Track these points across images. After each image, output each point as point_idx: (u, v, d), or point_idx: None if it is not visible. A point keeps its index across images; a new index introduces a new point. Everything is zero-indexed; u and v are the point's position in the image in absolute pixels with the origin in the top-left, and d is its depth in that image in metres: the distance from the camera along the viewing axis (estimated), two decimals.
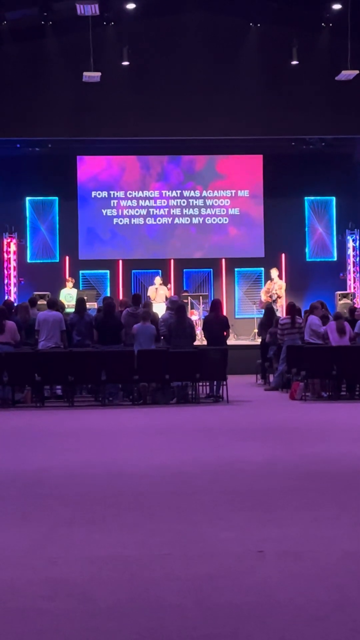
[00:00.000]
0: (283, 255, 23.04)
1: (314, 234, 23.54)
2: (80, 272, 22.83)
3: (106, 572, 5.07)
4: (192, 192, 23.24)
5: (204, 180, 23.30)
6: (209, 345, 15.26)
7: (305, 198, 23.42)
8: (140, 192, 23.16)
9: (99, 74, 18.82)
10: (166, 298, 19.84)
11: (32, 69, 20.32)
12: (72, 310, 16.00)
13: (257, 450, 9.33)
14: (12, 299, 20.89)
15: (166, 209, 23.21)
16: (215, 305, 15.72)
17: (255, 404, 14.25)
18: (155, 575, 4.98)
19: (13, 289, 22.25)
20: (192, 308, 20.26)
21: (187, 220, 23.23)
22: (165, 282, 21.54)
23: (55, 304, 15.11)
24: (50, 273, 22.30)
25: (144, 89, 20.54)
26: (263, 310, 18.94)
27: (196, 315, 19.89)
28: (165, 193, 23.22)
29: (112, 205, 23.10)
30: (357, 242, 23.06)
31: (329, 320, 15.43)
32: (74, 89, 20.04)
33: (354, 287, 22.85)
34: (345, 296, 21.42)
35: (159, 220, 23.19)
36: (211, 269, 23.26)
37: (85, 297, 17.10)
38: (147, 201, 23.18)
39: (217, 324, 15.24)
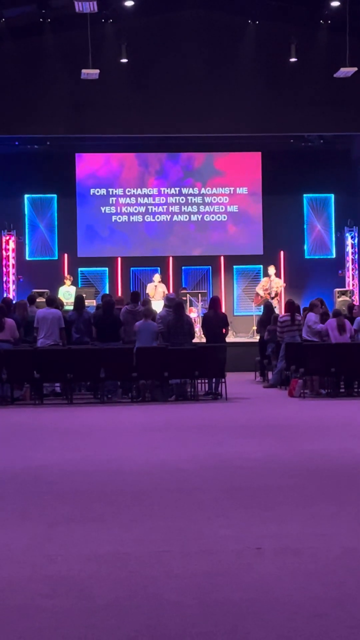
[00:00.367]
0: (282, 252, 23.03)
1: (312, 231, 23.53)
2: (79, 269, 22.82)
3: (105, 569, 5.08)
4: (191, 189, 23.24)
5: (203, 178, 23.29)
6: (208, 342, 15.26)
7: (304, 195, 23.41)
8: (139, 189, 23.15)
9: (98, 71, 18.80)
10: (164, 294, 19.84)
11: (31, 67, 20.29)
12: (71, 307, 16.00)
13: (256, 448, 9.34)
14: (10, 296, 20.88)
15: (165, 207, 23.20)
16: (214, 303, 15.72)
17: (254, 401, 14.26)
18: (154, 573, 4.99)
19: (12, 287, 22.25)
20: (190, 305, 20.25)
21: (186, 217, 23.22)
22: (164, 279, 21.54)
23: (54, 302, 15.11)
24: (49, 270, 22.29)
25: (143, 87, 20.52)
26: (261, 307, 18.92)
27: (195, 313, 19.89)
28: (164, 190, 23.21)
29: (110, 202, 23.10)
30: (356, 239, 23.06)
31: (329, 318, 15.43)
32: (72, 87, 20.02)
33: (353, 285, 22.85)
34: (344, 293, 21.42)
35: (158, 218, 23.19)
36: (210, 267, 23.25)
37: (84, 295, 17.10)
38: (145, 198, 23.17)
39: (216, 322, 15.24)
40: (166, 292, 20.12)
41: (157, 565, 5.12)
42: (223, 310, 17.46)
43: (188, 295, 20.69)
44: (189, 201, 23.22)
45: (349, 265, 23.09)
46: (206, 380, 15.18)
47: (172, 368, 14.02)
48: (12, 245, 22.36)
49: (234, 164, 23.33)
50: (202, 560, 5.22)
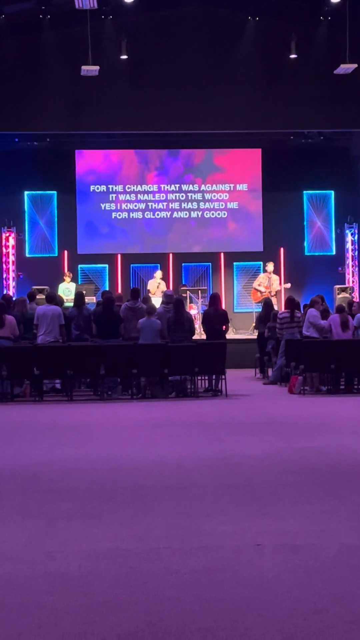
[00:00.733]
0: (282, 249, 23.03)
1: (312, 228, 23.52)
2: (79, 266, 22.82)
3: (104, 566, 5.08)
4: (191, 186, 23.23)
5: (203, 174, 23.28)
6: (208, 339, 15.26)
7: (304, 192, 23.40)
8: (139, 186, 23.14)
9: (97, 67, 18.79)
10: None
11: (30, 63, 20.27)
12: (71, 304, 16.00)
13: (256, 444, 9.34)
14: (10, 293, 20.88)
15: (165, 203, 23.19)
16: (214, 299, 15.72)
17: (253, 397, 14.26)
18: (154, 569, 4.99)
19: (12, 283, 22.24)
20: (191, 302, 20.25)
21: (186, 214, 23.21)
22: (164, 276, 21.53)
23: (54, 298, 15.11)
24: (49, 267, 22.29)
25: (143, 83, 20.51)
26: (261, 303, 18.90)
27: (195, 310, 19.88)
28: (164, 187, 23.20)
29: (110, 199, 23.08)
30: (356, 235, 23.05)
31: (329, 314, 15.43)
32: (72, 83, 20.01)
33: (353, 281, 22.84)
34: (344, 290, 21.41)
35: (158, 215, 23.18)
36: (210, 263, 23.25)
37: (84, 292, 17.09)
38: (145, 195, 23.16)
39: (216, 318, 15.25)
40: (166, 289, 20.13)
41: (157, 562, 5.12)
42: (223, 307, 17.46)
43: (188, 292, 20.68)
44: (189, 198, 23.22)
45: (349, 262, 23.08)
46: (206, 377, 15.18)
47: (172, 365, 14.02)
48: (12, 242, 22.35)
49: (233, 161, 23.32)
50: (202, 556, 5.22)
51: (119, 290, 21.03)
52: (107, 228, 23.08)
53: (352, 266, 23.05)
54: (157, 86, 20.52)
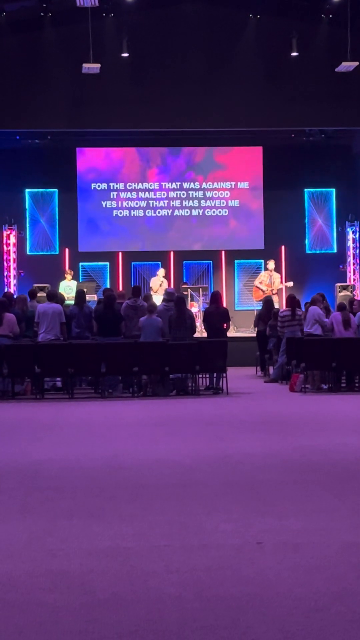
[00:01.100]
0: (283, 247, 23.02)
1: (313, 226, 23.51)
2: (80, 264, 22.81)
3: (105, 564, 5.09)
4: (192, 184, 23.22)
5: (204, 172, 23.27)
6: (209, 337, 15.26)
7: (305, 190, 23.39)
8: (140, 184, 23.13)
9: (99, 65, 18.78)
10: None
11: (31, 61, 20.26)
12: (72, 302, 16.00)
13: (257, 442, 9.34)
14: (11, 291, 20.87)
15: (166, 201, 23.19)
16: (215, 297, 15.71)
17: (255, 395, 14.26)
18: (155, 567, 5.00)
19: (13, 281, 22.24)
20: (192, 300, 20.24)
21: (187, 212, 23.20)
22: (165, 274, 21.52)
23: (55, 296, 15.10)
24: (50, 265, 22.28)
25: (144, 81, 20.49)
26: (262, 301, 18.89)
27: (196, 307, 19.87)
28: (165, 185, 23.20)
29: (111, 197, 23.08)
30: (357, 233, 23.03)
31: (330, 313, 15.42)
32: (73, 81, 20.00)
33: (354, 279, 22.83)
34: (345, 288, 21.40)
35: (159, 212, 23.17)
36: (211, 261, 23.24)
37: (85, 289, 17.09)
38: (146, 193, 23.16)
39: (217, 316, 15.24)
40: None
41: (158, 560, 5.12)
42: (224, 304, 17.46)
43: (189, 290, 20.68)
44: (190, 196, 23.21)
45: (350, 260, 23.06)
46: (207, 375, 15.18)
47: (173, 363, 14.02)
48: (13, 239, 22.33)
49: (235, 159, 23.31)
50: (203, 554, 5.23)
51: (120, 288, 21.02)
52: (108, 226, 23.08)
53: (353, 264, 23.04)
54: (158, 84, 20.50)
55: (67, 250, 22.74)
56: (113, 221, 23.08)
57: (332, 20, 20.45)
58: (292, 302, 15.95)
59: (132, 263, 23.07)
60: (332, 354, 14.12)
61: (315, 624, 4.13)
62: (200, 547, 5.38)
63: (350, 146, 23.26)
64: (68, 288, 19.94)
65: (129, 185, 23.10)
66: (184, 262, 23.18)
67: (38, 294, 16.82)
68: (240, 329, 21.41)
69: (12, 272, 22.31)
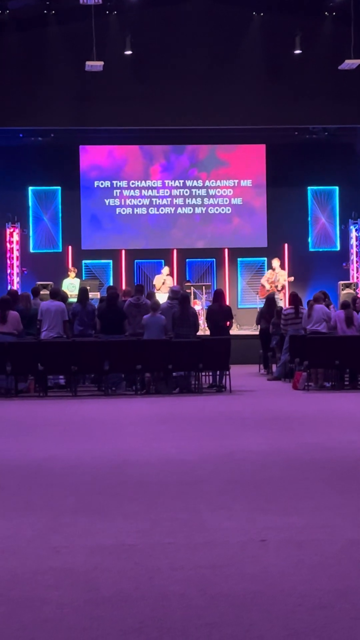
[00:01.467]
0: (286, 245, 23.01)
1: (316, 224, 23.50)
2: (83, 261, 22.81)
3: (110, 561, 5.09)
4: (195, 181, 23.22)
5: (207, 170, 23.26)
6: (212, 335, 15.26)
7: (308, 188, 23.38)
8: (143, 181, 23.13)
9: (102, 63, 18.79)
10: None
11: (35, 59, 20.28)
12: (75, 300, 16.00)
13: (260, 440, 9.34)
14: (15, 288, 20.87)
15: (169, 199, 23.18)
16: (218, 295, 15.71)
17: (257, 393, 14.26)
18: (159, 564, 5.00)
19: (16, 279, 22.25)
20: (195, 298, 20.24)
21: (190, 210, 23.20)
22: (169, 272, 21.52)
23: (57, 294, 15.11)
24: (53, 263, 22.29)
25: (147, 79, 20.50)
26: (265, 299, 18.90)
27: (199, 305, 19.87)
28: (168, 183, 23.19)
29: (114, 194, 23.08)
30: None
31: (334, 311, 15.41)
32: (76, 79, 20.01)
33: (357, 277, 22.82)
34: (348, 286, 21.40)
35: (162, 210, 23.17)
36: (214, 259, 23.24)
37: (88, 287, 17.10)
38: (149, 191, 23.16)
39: (220, 314, 15.25)
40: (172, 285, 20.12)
41: (162, 557, 5.13)
42: (227, 302, 17.45)
43: (192, 287, 20.68)
44: (193, 193, 23.21)
45: (354, 257, 23.05)
46: (210, 373, 15.18)
47: (176, 360, 14.02)
48: (16, 237, 22.35)
49: (238, 157, 23.30)
50: (207, 552, 5.23)
51: (123, 286, 21.03)
52: (111, 224, 23.08)
53: (357, 262, 23.03)
54: (161, 82, 20.51)
55: (70, 248, 22.74)
56: (116, 219, 23.09)
57: (335, 17, 20.45)
58: (295, 299, 15.95)
59: (135, 261, 23.07)
60: (335, 351, 14.12)
61: (319, 621, 4.13)
62: (204, 544, 5.39)
63: (354, 144, 23.25)
64: (71, 286, 19.95)
65: (132, 183, 23.09)
66: (187, 260, 23.18)
67: (41, 292, 16.83)
68: (243, 327, 21.41)
69: (15, 270, 22.32)
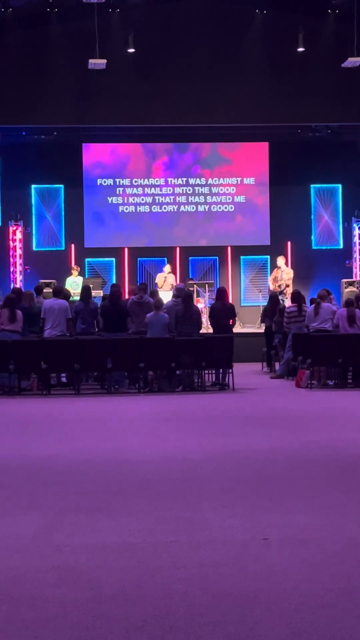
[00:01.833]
0: (289, 243, 23.00)
1: (319, 222, 23.49)
2: (86, 260, 22.81)
3: (112, 559, 5.09)
4: (198, 179, 23.21)
5: (210, 168, 23.25)
6: (215, 333, 15.26)
7: (311, 186, 23.36)
8: (146, 179, 23.12)
9: (105, 61, 18.79)
10: (172, 286, 19.82)
11: (38, 57, 20.28)
12: (78, 298, 16.01)
13: (263, 438, 9.34)
14: (18, 286, 20.87)
15: (172, 197, 23.17)
16: (221, 293, 15.70)
17: (261, 391, 14.26)
18: (161, 563, 5.00)
19: (19, 277, 22.25)
20: (198, 296, 20.24)
21: (193, 208, 23.19)
22: (172, 270, 21.52)
23: (61, 292, 15.11)
24: (56, 261, 22.30)
25: (149, 76, 20.49)
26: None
27: (202, 303, 19.87)
28: (171, 181, 23.18)
29: (117, 192, 23.07)
30: None
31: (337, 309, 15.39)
32: (79, 77, 20.01)
33: None
34: (351, 284, 21.37)
35: (165, 208, 23.16)
36: (217, 257, 23.23)
37: (91, 285, 17.09)
38: (152, 189, 23.15)
39: (223, 312, 15.24)
40: (174, 283, 20.12)
41: (165, 556, 5.13)
42: (230, 300, 17.45)
43: (195, 285, 20.67)
44: (196, 191, 23.19)
45: (357, 255, 23.02)
46: (213, 371, 15.18)
47: (179, 358, 14.01)
48: (19, 235, 22.35)
49: (241, 154, 23.29)
50: (210, 550, 5.23)
51: (126, 284, 21.03)
52: (114, 222, 23.08)
53: None
54: (164, 80, 20.50)
55: (73, 246, 22.75)
56: (119, 217, 23.08)
57: (338, 15, 20.42)
58: (298, 298, 15.94)
59: (138, 259, 23.06)
60: (338, 350, 14.10)
61: (322, 619, 4.13)
62: (207, 542, 5.39)
63: (357, 142, 23.22)
64: (75, 284, 19.96)
65: (135, 181, 23.09)
66: (190, 258, 23.17)
67: (44, 290, 16.82)
68: (246, 325, 21.40)
69: (19, 268, 22.32)
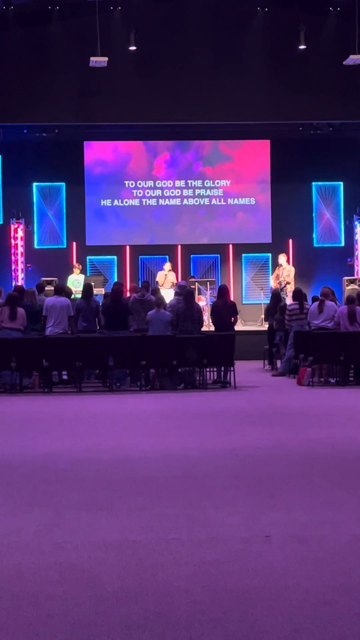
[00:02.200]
0: (290, 240, 22.99)
1: (321, 220, 23.48)
2: (88, 257, 22.83)
3: (114, 556, 5.10)
4: (199, 177, 23.19)
5: (211, 165, 23.24)
6: (217, 331, 15.26)
7: (313, 183, 23.35)
8: (147, 177, 23.12)
9: (106, 58, 18.78)
10: (173, 284, 19.83)
11: (39, 54, 20.27)
12: (80, 296, 16.01)
13: (264, 436, 9.34)
14: (20, 284, 20.87)
15: (173, 195, 23.16)
16: (223, 291, 15.70)
17: (262, 389, 14.26)
18: (163, 560, 5.01)
19: (20, 275, 22.25)
20: (199, 294, 20.24)
21: (195, 205, 23.18)
22: (173, 268, 21.52)
23: (62, 290, 15.11)
24: (58, 259, 22.30)
25: (151, 74, 20.48)
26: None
27: (203, 301, 19.87)
28: (172, 178, 23.17)
29: (119, 190, 23.07)
30: None
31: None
32: (80, 74, 20.00)
33: None
34: (352, 282, 21.35)
35: (166, 206, 23.15)
36: (218, 255, 23.22)
37: (93, 283, 17.09)
38: (154, 187, 23.14)
39: (224, 310, 15.23)
40: (175, 281, 20.12)
41: (166, 553, 5.13)
42: (232, 298, 17.45)
43: (197, 283, 20.67)
44: (198, 189, 23.19)
45: (358, 253, 23.00)
46: (215, 369, 15.18)
47: (180, 356, 14.02)
48: (20, 233, 22.34)
49: (242, 152, 23.28)
50: (211, 547, 5.24)
51: (127, 282, 21.03)
52: (115, 219, 23.08)
53: None
54: (165, 77, 20.49)
55: (74, 244, 22.75)
56: (121, 215, 23.08)
57: (340, 13, 20.40)
58: (299, 295, 15.93)
59: (140, 257, 23.06)
60: (340, 347, 14.10)
61: (323, 617, 4.14)
62: (208, 540, 5.39)
63: (358, 139, 23.18)
64: (76, 282, 19.96)
65: (137, 179, 23.08)
66: (192, 255, 23.17)
67: (46, 288, 16.83)
68: (248, 323, 21.40)
69: (20, 266, 22.32)
